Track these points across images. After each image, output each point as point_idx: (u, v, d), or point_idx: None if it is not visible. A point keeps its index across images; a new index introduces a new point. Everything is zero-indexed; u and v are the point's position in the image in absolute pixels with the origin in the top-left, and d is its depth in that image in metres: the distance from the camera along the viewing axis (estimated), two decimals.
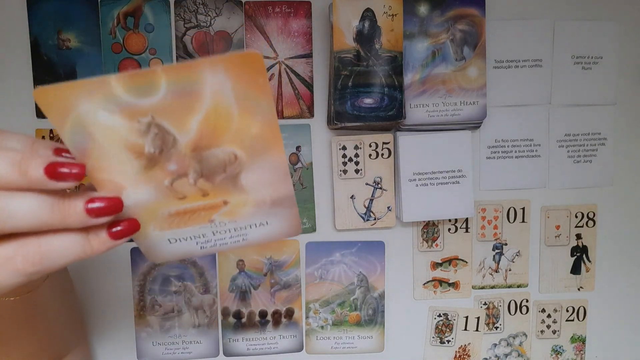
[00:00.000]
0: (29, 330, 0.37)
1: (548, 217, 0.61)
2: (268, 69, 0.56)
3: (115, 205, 0.25)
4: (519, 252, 0.61)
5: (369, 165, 0.57)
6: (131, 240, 0.28)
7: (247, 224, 0.29)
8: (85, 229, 0.25)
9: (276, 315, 0.59)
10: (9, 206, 0.22)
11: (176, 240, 0.29)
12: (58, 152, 0.24)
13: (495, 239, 0.61)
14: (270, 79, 0.56)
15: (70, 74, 0.54)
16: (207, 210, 0.28)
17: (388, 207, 0.57)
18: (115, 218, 0.26)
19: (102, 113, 0.23)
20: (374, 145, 0.57)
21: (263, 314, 0.59)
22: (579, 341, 0.64)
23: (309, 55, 0.57)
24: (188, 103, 0.23)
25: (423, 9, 0.54)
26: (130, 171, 0.25)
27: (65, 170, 0.23)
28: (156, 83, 0.23)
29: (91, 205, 0.24)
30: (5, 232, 0.23)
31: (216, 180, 0.27)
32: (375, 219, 0.58)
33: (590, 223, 0.62)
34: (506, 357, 0.63)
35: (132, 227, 0.26)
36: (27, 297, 0.34)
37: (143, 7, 0.54)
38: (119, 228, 0.26)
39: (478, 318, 0.62)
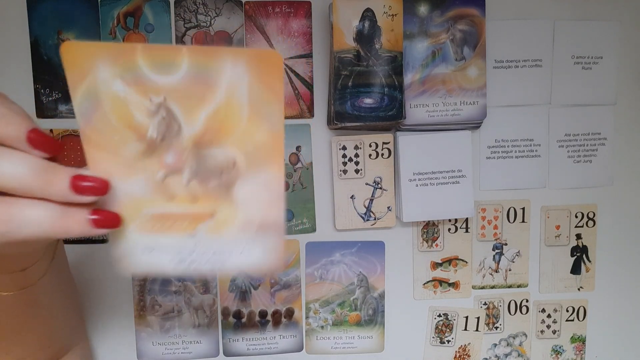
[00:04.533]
0: (28, 327, 0.37)
1: (548, 217, 0.61)
2: None
3: (101, 187, 0.24)
4: (519, 252, 0.61)
5: (369, 165, 0.57)
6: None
7: (228, 247, 0.28)
8: (64, 206, 0.24)
9: (276, 315, 0.59)
10: None
11: (152, 250, 0.28)
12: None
13: (495, 239, 0.61)
14: None
15: None
16: (192, 220, 0.27)
17: (388, 207, 0.57)
18: (99, 206, 0.25)
19: (118, 82, 0.23)
20: (374, 145, 0.57)
21: (263, 314, 0.59)
22: (579, 341, 0.64)
23: (309, 55, 0.57)
24: (202, 91, 0.23)
25: (423, 9, 0.54)
26: (127, 153, 0.25)
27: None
28: (178, 61, 0.23)
29: (77, 181, 0.23)
30: None
31: (209, 185, 0.26)
32: (375, 219, 0.58)
33: (590, 223, 0.62)
34: (506, 357, 0.63)
35: (114, 220, 0.25)
36: (25, 292, 0.33)
37: (143, 7, 0.54)
38: (99, 217, 0.25)
39: (478, 318, 0.62)
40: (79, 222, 0.24)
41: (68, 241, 0.53)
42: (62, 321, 0.43)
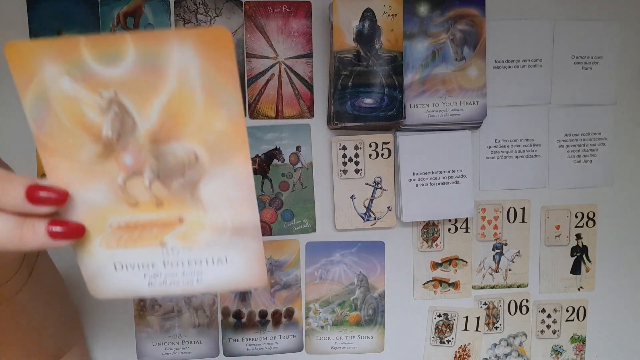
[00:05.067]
0: (10, 338, 0.36)
1: (548, 217, 0.61)
2: (268, 69, 0.56)
3: (59, 197, 0.23)
4: (519, 252, 0.61)
5: (369, 165, 0.57)
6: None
7: (203, 256, 0.26)
8: (20, 218, 0.23)
9: (276, 315, 0.59)
10: None
11: (122, 267, 0.26)
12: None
13: (495, 239, 0.61)
14: (270, 79, 0.56)
15: None
16: (160, 227, 0.25)
17: (388, 207, 0.57)
18: (59, 217, 0.24)
19: (65, 79, 0.22)
20: (374, 145, 0.57)
21: (263, 314, 0.59)
22: (579, 341, 0.64)
23: (309, 55, 0.57)
24: (152, 80, 0.22)
25: (423, 9, 0.54)
26: (84, 157, 0.24)
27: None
28: (123, 50, 0.22)
29: (33, 191, 0.22)
30: None
31: (173, 186, 0.25)
32: (375, 218, 0.58)
33: (590, 223, 0.62)
34: (506, 357, 0.63)
35: (75, 230, 0.24)
36: (7, 307, 0.32)
37: (143, 7, 0.54)
38: (58, 228, 0.23)
39: (478, 318, 0.62)
40: (36, 234, 0.23)
41: None
42: (52, 326, 0.42)
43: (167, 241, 0.26)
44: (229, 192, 0.25)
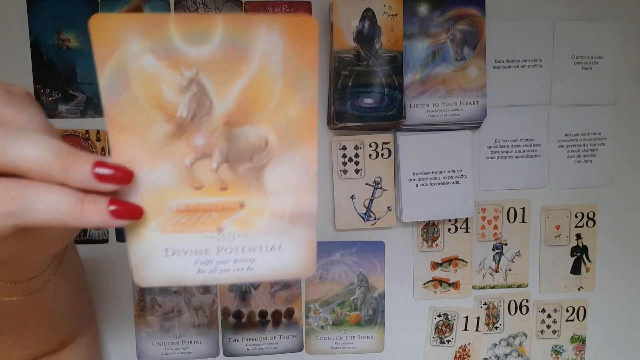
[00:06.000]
0: (30, 326, 0.37)
1: (548, 217, 0.61)
2: None
3: (125, 176, 0.23)
4: (519, 252, 0.61)
5: (369, 165, 0.57)
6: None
7: (258, 243, 0.26)
8: (83, 193, 0.23)
9: (276, 315, 0.59)
10: (14, 144, 0.21)
11: (174, 253, 0.25)
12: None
13: (495, 239, 0.61)
14: None
15: (70, 74, 0.54)
16: (220, 211, 0.25)
17: (388, 207, 0.57)
18: (119, 196, 0.24)
19: (148, 57, 0.22)
20: (374, 145, 0.57)
21: (263, 314, 0.59)
22: (579, 341, 0.64)
23: None
24: (236, 62, 0.22)
25: (423, 9, 0.54)
26: (154, 137, 0.23)
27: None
28: (212, 31, 0.22)
29: (99, 168, 0.22)
30: (0, 168, 0.21)
31: (240, 170, 0.24)
32: (375, 219, 0.58)
33: (590, 223, 0.62)
34: (506, 357, 0.63)
35: (134, 212, 0.24)
36: (29, 297, 0.33)
37: (143, 7, 0.54)
38: (119, 207, 0.23)
39: (478, 318, 0.62)
40: (97, 211, 0.23)
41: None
42: (69, 315, 0.43)
43: (224, 226, 0.25)
44: (293, 179, 0.24)
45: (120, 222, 0.23)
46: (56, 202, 0.22)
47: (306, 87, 0.23)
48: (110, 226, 0.23)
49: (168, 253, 0.25)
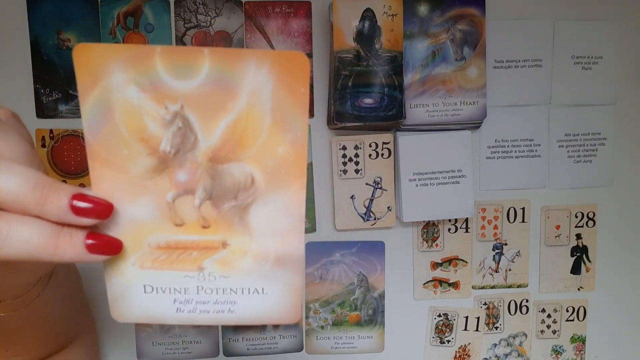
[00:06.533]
0: (23, 335, 0.36)
1: (548, 217, 0.61)
2: None
3: (104, 210, 0.22)
4: (519, 252, 0.61)
5: (369, 165, 0.57)
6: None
7: (240, 285, 0.25)
8: (59, 227, 0.22)
9: None
10: None
11: (152, 290, 0.24)
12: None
13: (495, 239, 0.61)
14: None
15: (70, 74, 0.54)
16: (201, 250, 0.24)
17: (388, 207, 0.57)
18: (97, 230, 0.23)
19: (132, 88, 0.21)
20: (374, 145, 0.57)
21: None
22: (579, 341, 0.64)
23: (309, 55, 0.57)
24: (223, 98, 0.22)
25: (423, 9, 0.54)
26: (136, 170, 0.23)
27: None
28: (199, 65, 0.21)
29: (77, 201, 0.21)
30: None
31: (223, 208, 0.24)
32: (375, 219, 0.58)
33: (590, 223, 0.62)
34: (506, 357, 0.63)
35: (113, 246, 0.23)
36: (21, 312, 0.31)
37: (143, 7, 0.54)
38: (96, 242, 0.22)
39: (478, 318, 0.62)
40: (72, 245, 0.22)
41: None
42: (64, 322, 0.43)
43: (205, 266, 0.24)
44: (279, 220, 0.24)
45: (97, 258, 0.23)
46: (31, 236, 0.21)
47: (296, 126, 0.22)
48: (86, 261, 0.23)
49: (147, 290, 0.25)
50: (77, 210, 0.21)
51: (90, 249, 0.22)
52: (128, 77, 0.21)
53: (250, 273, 0.25)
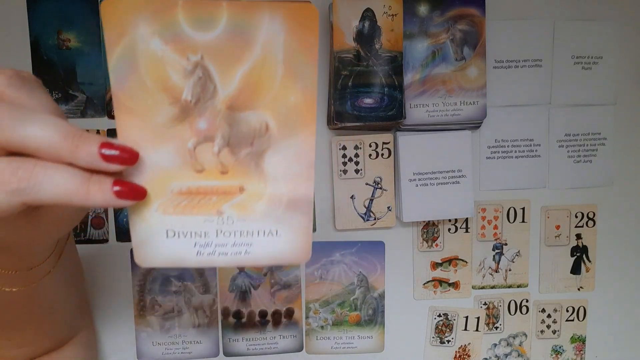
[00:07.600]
0: (27, 320, 0.37)
1: (548, 217, 0.61)
2: None
3: (130, 157, 0.23)
4: (519, 252, 0.61)
5: (369, 165, 0.57)
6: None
7: (255, 227, 0.26)
8: (89, 173, 0.23)
9: (276, 315, 0.59)
10: (25, 125, 0.22)
11: (175, 234, 0.26)
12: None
13: (495, 239, 0.61)
14: None
15: (70, 74, 0.54)
16: (220, 195, 0.25)
17: (388, 207, 0.57)
18: (122, 177, 0.24)
19: (156, 41, 0.23)
20: (374, 145, 0.57)
21: (263, 314, 0.59)
22: (579, 341, 0.64)
23: None
24: (240, 48, 0.23)
25: (423, 9, 0.54)
26: (159, 119, 0.24)
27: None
28: (217, 17, 0.23)
29: (106, 149, 0.23)
30: (11, 147, 0.22)
31: (240, 155, 0.25)
32: (375, 219, 0.58)
33: (590, 223, 0.62)
34: (506, 357, 0.63)
35: (138, 192, 0.24)
36: (28, 289, 0.33)
37: None
38: (123, 188, 0.24)
39: (478, 318, 0.62)
40: (101, 191, 0.23)
41: None
42: (65, 312, 0.43)
43: (224, 210, 0.26)
44: (291, 165, 0.25)
45: (124, 203, 0.24)
46: (63, 181, 0.22)
47: (306, 75, 0.24)
48: (113, 206, 0.24)
49: (169, 235, 0.26)
50: (106, 157, 0.23)
51: (118, 194, 0.23)
52: (152, 29, 0.22)
53: (265, 216, 0.26)
